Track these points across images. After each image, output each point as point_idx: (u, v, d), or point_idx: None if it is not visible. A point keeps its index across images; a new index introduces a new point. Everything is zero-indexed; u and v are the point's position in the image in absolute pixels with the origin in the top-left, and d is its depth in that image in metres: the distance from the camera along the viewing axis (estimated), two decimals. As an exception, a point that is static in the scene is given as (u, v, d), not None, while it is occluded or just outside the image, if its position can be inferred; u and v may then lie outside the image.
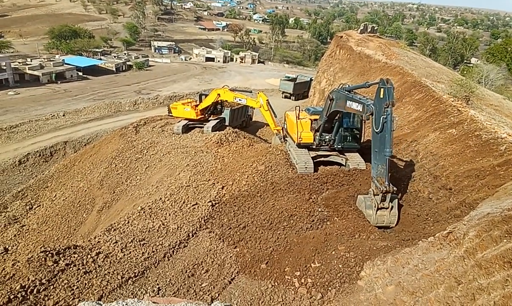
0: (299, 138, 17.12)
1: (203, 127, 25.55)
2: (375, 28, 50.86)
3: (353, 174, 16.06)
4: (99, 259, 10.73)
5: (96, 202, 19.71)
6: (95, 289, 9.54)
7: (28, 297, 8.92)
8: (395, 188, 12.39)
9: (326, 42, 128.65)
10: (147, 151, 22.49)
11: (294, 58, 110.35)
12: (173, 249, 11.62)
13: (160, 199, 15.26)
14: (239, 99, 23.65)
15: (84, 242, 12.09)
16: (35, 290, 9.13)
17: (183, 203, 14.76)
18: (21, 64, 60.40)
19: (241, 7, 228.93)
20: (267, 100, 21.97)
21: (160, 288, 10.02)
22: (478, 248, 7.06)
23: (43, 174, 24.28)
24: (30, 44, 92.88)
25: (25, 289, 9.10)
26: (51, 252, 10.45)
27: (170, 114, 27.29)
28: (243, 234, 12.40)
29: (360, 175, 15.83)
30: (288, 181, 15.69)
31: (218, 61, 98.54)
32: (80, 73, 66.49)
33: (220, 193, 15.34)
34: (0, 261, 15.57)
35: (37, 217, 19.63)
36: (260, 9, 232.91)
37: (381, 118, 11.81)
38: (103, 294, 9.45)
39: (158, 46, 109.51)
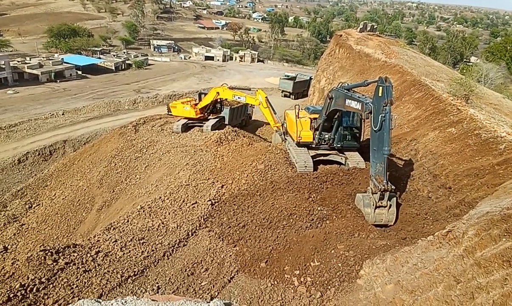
0: (299, 137, 17.13)
1: (202, 126, 25.52)
2: (375, 26, 50.87)
3: (352, 172, 16.07)
4: (99, 257, 10.74)
5: (96, 201, 19.71)
6: (94, 288, 9.55)
7: (27, 296, 8.93)
8: (393, 186, 12.41)
9: (325, 41, 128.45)
10: (146, 150, 22.47)
11: (293, 57, 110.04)
12: (172, 247, 11.63)
13: (160, 197, 15.27)
14: (238, 97, 23.68)
15: (83, 240, 12.11)
16: (34, 289, 9.13)
17: (183, 201, 14.77)
18: (20, 63, 60.19)
19: (241, 6, 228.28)
20: (266, 97, 21.95)
21: (160, 286, 10.03)
22: (477, 246, 7.07)
23: (42, 173, 24.23)
24: (29, 43, 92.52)
25: (24, 287, 9.10)
26: (50, 250, 10.46)
27: (169, 113, 27.27)
28: (243, 232, 12.43)
29: (360, 173, 15.84)
30: (288, 179, 15.70)
31: (218, 60, 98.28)
32: (79, 72, 66.31)
33: (219, 191, 15.36)
34: (0, 260, 15.56)
35: (37, 216, 19.60)
36: (260, 8, 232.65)
37: (380, 117, 11.83)
38: (103, 293, 9.46)
39: (157, 45, 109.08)
